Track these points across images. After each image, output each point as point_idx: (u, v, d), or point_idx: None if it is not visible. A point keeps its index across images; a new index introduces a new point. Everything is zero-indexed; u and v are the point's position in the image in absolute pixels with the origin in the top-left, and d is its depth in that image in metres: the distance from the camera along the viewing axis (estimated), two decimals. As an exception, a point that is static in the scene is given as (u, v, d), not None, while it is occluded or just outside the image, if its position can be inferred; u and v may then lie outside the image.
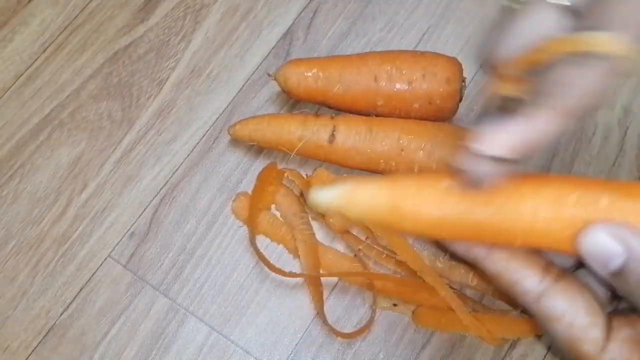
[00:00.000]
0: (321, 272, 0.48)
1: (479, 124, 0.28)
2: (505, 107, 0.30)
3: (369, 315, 0.47)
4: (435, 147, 0.47)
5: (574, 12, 0.29)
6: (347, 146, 0.48)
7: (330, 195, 0.30)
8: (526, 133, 0.27)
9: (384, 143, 0.47)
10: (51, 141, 0.53)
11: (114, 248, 0.50)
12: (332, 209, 0.30)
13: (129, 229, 0.51)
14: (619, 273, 0.27)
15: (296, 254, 0.49)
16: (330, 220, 0.47)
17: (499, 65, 0.31)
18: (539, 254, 0.31)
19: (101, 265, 0.50)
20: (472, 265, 0.32)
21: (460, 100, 0.49)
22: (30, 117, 0.54)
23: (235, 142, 0.52)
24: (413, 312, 0.47)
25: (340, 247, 0.49)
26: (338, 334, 0.47)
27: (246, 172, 0.52)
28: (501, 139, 0.27)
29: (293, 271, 0.48)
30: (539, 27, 0.29)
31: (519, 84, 0.29)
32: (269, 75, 0.52)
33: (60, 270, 0.50)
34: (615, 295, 0.32)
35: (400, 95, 0.48)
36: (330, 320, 0.47)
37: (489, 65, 0.31)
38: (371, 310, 0.47)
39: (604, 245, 0.27)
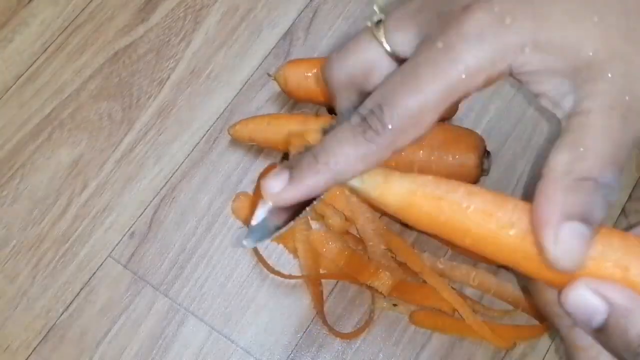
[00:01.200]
0: (321, 272, 0.48)
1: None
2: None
3: (368, 315, 0.47)
4: (435, 147, 0.47)
5: (396, 57, 0.30)
6: (347, 146, 0.48)
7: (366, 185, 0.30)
8: (294, 191, 0.29)
9: (383, 143, 0.47)
10: (51, 141, 0.53)
11: (114, 248, 0.50)
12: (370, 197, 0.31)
13: (129, 229, 0.51)
14: (602, 330, 0.26)
15: (296, 254, 0.49)
16: (330, 220, 0.47)
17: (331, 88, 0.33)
18: None
19: (101, 265, 0.50)
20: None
21: (460, 100, 0.49)
22: (30, 117, 0.54)
23: (235, 142, 0.53)
24: (410, 315, 0.47)
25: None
26: (337, 334, 0.47)
27: (246, 172, 0.52)
28: (274, 192, 0.29)
29: (293, 271, 0.48)
30: (364, 60, 0.32)
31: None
32: (269, 75, 0.52)
33: (61, 270, 0.50)
34: None
35: (400, 96, 0.48)
36: (330, 320, 0.47)
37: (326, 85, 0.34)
38: (370, 310, 0.47)
39: (587, 301, 0.26)
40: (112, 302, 0.49)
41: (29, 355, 0.48)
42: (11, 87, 0.55)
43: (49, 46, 0.56)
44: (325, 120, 0.49)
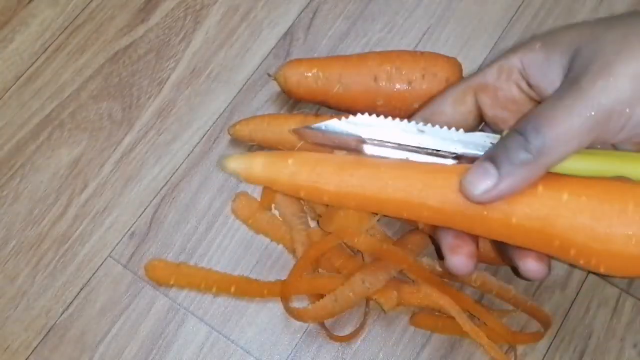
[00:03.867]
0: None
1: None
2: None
3: (363, 317, 0.47)
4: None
5: None
6: (347, 146, 0.48)
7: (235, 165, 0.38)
8: (505, 188, 0.30)
9: (383, 143, 0.47)
10: (51, 141, 0.53)
11: (114, 248, 0.50)
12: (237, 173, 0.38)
13: (129, 229, 0.51)
14: None
15: (295, 254, 0.49)
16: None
17: None
18: None
19: (101, 265, 0.50)
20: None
21: (460, 100, 0.49)
22: (30, 117, 0.54)
23: (236, 142, 0.53)
24: (411, 317, 0.47)
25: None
26: (333, 337, 0.47)
27: (246, 172, 0.52)
28: (480, 191, 0.31)
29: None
30: None
31: None
32: (269, 75, 0.52)
33: (61, 270, 0.50)
34: None
35: (400, 95, 0.48)
36: (329, 322, 0.47)
37: None
38: (364, 312, 0.47)
39: None
40: (112, 302, 0.49)
41: (29, 355, 0.48)
42: (11, 87, 0.55)
43: (49, 46, 0.56)
44: (324, 119, 0.49)
